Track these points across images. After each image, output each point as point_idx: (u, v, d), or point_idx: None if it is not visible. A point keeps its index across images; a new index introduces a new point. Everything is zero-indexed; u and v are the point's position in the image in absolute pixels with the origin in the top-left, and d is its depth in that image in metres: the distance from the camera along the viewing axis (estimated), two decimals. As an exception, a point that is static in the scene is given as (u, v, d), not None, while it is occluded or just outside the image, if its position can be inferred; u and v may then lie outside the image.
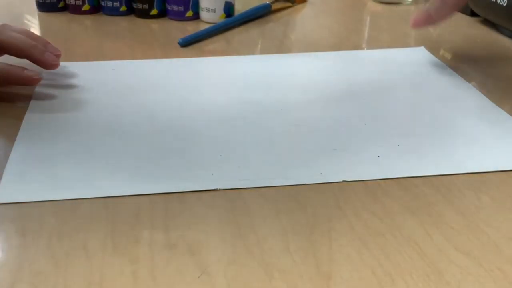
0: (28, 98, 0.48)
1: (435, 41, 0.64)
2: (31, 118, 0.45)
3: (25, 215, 0.34)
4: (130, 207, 0.34)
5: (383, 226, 0.33)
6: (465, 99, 0.49)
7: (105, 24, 0.70)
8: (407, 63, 0.58)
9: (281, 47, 0.63)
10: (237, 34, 0.67)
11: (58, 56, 0.52)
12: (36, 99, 0.48)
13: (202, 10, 0.70)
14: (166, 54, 0.60)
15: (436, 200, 0.35)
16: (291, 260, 0.30)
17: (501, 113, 0.47)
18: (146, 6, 0.70)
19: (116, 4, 0.71)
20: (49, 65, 0.50)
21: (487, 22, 0.69)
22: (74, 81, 0.52)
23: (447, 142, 0.42)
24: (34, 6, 0.74)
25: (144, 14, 0.71)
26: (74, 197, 0.35)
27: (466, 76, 0.54)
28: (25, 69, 0.48)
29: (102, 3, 0.72)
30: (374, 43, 0.65)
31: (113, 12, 0.72)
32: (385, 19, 0.74)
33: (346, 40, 0.65)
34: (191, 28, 0.68)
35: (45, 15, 0.73)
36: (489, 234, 0.32)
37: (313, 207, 0.35)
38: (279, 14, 0.74)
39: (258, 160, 0.40)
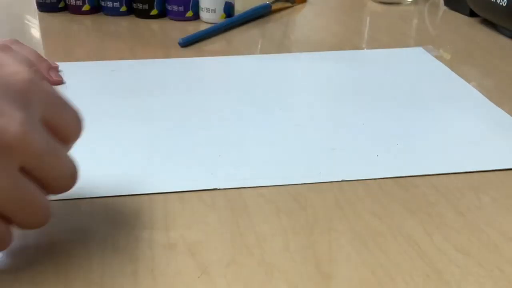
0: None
1: (434, 41, 0.64)
2: (31, 118, 0.45)
3: (25, 215, 0.34)
4: (130, 207, 0.34)
5: (383, 226, 0.33)
6: (465, 99, 0.49)
7: (105, 24, 0.70)
8: (407, 63, 0.58)
9: (281, 47, 0.63)
10: (237, 34, 0.67)
11: (59, 83, 0.52)
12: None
13: (202, 10, 0.70)
14: (166, 54, 0.60)
15: (436, 200, 0.35)
16: (291, 260, 0.30)
17: (501, 113, 0.47)
18: (146, 6, 0.70)
19: (116, 4, 0.71)
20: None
21: (486, 22, 0.69)
22: (74, 81, 0.52)
23: (447, 142, 0.42)
24: (34, 6, 0.74)
25: (144, 14, 0.71)
26: (74, 197, 0.35)
27: (465, 76, 0.54)
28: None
29: (102, 3, 0.72)
30: (374, 43, 0.65)
31: (113, 12, 0.72)
32: (385, 19, 0.74)
33: (346, 40, 0.65)
34: (191, 28, 0.68)
35: (45, 15, 0.73)
36: (489, 234, 0.32)
37: (313, 207, 0.35)
38: (279, 14, 0.74)
39: (258, 160, 0.40)
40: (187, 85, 0.52)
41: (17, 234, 0.32)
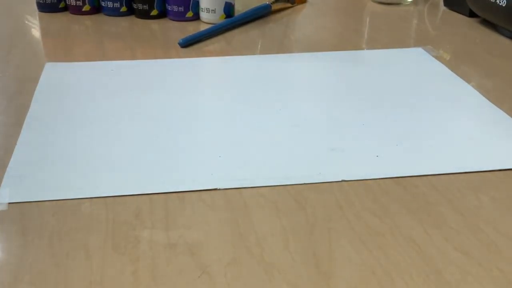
0: (29, 98, 0.49)
1: (434, 42, 0.64)
2: (32, 118, 0.45)
3: (25, 215, 0.34)
4: (130, 207, 0.34)
5: (383, 226, 0.33)
6: (464, 99, 0.50)
7: (106, 24, 0.70)
8: (407, 64, 0.58)
9: (281, 47, 0.63)
10: (237, 35, 0.67)
11: None
12: (37, 100, 0.48)
13: (202, 11, 0.70)
14: (166, 54, 0.60)
15: (435, 200, 0.35)
16: (291, 260, 0.30)
17: (500, 113, 0.47)
18: (146, 7, 0.70)
19: (117, 4, 0.71)
20: None
21: (486, 23, 0.69)
22: (74, 81, 0.52)
23: (446, 142, 0.42)
24: (35, 6, 0.74)
25: (144, 15, 0.71)
26: (74, 197, 0.35)
27: (464, 76, 0.54)
28: None
29: (103, 4, 0.72)
30: (374, 43, 0.65)
31: (114, 12, 0.72)
32: (385, 19, 0.74)
33: (346, 40, 0.65)
34: (191, 29, 0.68)
35: (45, 15, 0.73)
36: (489, 234, 0.32)
37: (313, 207, 0.35)
38: (279, 15, 0.74)
39: (258, 160, 0.40)
40: (187, 85, 0.52)
41: (18, 234, 0.32)
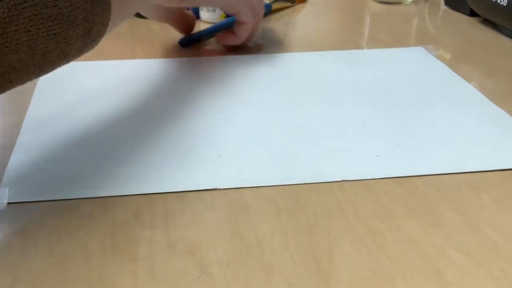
0: (28, 98, 0.49)
1: (435, 41, 0.64)
2: (31, 118, 0.45)
3: (25, 215, 0.34)
4: (130, 207, 0.34)
5: (383, 226, 0.33)
6: (465, 99, 0.49)
7: (105, 24, 0.70)
8: (407, 63, 0.58)
9: (281, 47, 0.63)
10: (237, 34, 0.67)
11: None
12: (36, 99, 0.48)
13: (202, 10, 0.70)
14: (166, 53, 0.60)
15: (436, 200, 0.35)
16: (291, 260, 0.30)
17: (501, 113, 0.47)
18: (146, 6, 0.70)
19: (116, 4, 0.71)
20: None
21: (487, 22, 0.69)
22: (74, 81, 0.52)
23: (447, 141, 0.42)
24: (34, 6, 0.74)
25: (144, 14, 0.71)
26: (74, 197, 0.35)
27: (465, 76, 0.54)
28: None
29: (102, 3, 0.72)
30: (374, 43, 0.65)
31: (113, 12, 0.72)
32: (385, 19, 0.74)
33: (346, 40, 0.65)
34: (191, 28, 0.68)
35: (45, 15, 0.73)
36: (489, 234, 0.32)
37: (313, 207, 0.35)
38: (279, 14, 0.74)
39: (258, 160, 0.40)
40: (187, 85, 0.52)
41: (17, 234, 0.32)
